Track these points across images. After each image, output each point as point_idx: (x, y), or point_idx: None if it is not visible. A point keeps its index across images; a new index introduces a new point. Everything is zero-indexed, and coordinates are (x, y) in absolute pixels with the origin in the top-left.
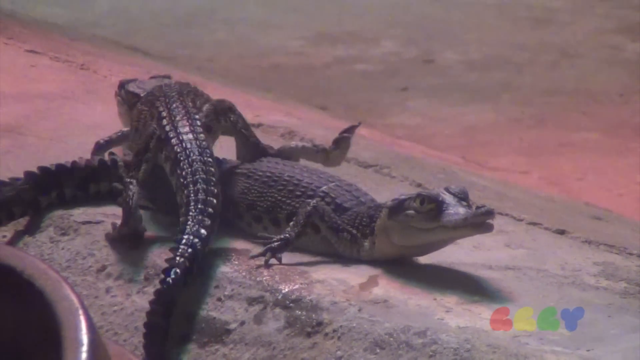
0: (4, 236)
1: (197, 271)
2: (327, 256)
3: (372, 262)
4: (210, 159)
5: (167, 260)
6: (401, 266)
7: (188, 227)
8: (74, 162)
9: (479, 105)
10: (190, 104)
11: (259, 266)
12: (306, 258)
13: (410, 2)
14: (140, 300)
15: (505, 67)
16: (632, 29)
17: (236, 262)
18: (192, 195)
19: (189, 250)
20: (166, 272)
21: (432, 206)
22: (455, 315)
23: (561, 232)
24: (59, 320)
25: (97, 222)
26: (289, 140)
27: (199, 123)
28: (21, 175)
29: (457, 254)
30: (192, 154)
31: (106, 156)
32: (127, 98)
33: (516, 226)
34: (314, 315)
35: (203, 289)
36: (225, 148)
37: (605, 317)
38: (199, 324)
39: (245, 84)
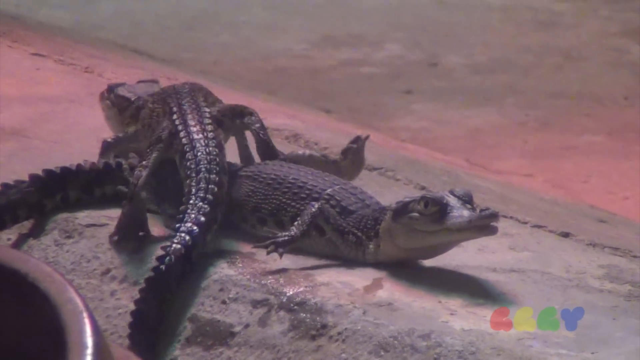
0: (9, 239)
1: (197, 260)
2: (331, 259)
3: (377, 264)
4: (215, 149)
5: (162, 248)
6: (406, 269)
7: (187, 215)
8: (78, 165)
9: (483, 108)
10: (201, 98)
11: (261, 264)
12: (310, 261)
13: (415, 5)
14: None
15: (510, 70)
16: (636, 31)
17: (240, 265)
18: (193, 184)
19: (186, 237)
20: (160, 259)
21: (436, 209)
22: (459, 318)
23: (565, 235)
24: (64, 323)
25: (102, 225)
26: (293, 143)
27: (208, 115)
28: (26, 178)
29: (462, 257)
30: (197, 145)
31: (111, 159)
32: (117, 102)
33: (520, 229)
34: (318, 318)
35: (207, 292)
36: (228, 151)
37: (609, 319)
38: (203, 327)
39: (250, 86)
